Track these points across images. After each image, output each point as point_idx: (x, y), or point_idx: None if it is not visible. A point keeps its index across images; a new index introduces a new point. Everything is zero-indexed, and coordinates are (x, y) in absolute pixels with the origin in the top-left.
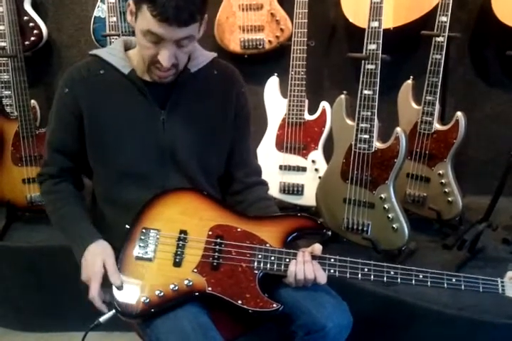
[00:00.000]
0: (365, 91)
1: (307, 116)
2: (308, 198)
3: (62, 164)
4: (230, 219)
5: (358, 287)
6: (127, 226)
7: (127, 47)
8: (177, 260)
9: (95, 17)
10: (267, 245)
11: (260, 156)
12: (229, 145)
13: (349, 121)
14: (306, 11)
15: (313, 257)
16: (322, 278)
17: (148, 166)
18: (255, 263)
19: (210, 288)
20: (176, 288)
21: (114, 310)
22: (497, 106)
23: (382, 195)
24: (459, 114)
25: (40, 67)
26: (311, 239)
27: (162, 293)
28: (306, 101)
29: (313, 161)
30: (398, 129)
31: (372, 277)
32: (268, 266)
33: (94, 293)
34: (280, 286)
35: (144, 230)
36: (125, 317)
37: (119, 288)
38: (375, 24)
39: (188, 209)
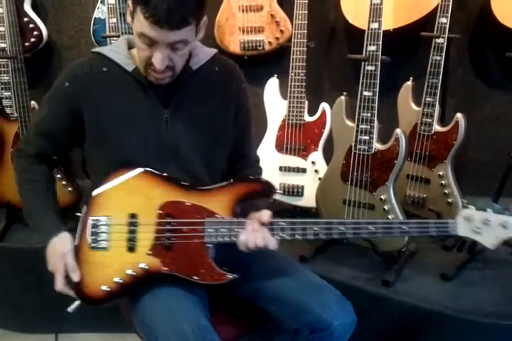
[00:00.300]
0: (365, 93)
1: (307, 118)
2: (308, 199)
3: (42, 148)
4: (178, 194)
5: (358, 288)
6: (78, 214)
7: (130, 46)
8: (130, 245)
9: (95, 18)
10: (217, 216)
11: (260, 157)
12: (232, 142)
13: (349, 123)
14: (306, 12)
15: (263, 224)
16: (272, 244)
17: (151, 165)
18: (206, 238)
19: (165, 268)
20: (133, 273)
21: (79, 300)
22: (497, 107)
23: (382, 197)
24: (458, 115)
25: (40, 68)
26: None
27: (121, 280)
28: (306, 102)
29: (313, 162)
30: (398, 130)
31: (323, 235)
32: (218, 238)
33: (60, 285)
34: (284, 285)
35: (94, 219)
36: (91, 305)
37: (79, 282)
38: (375, 25)
39: (135, 189)
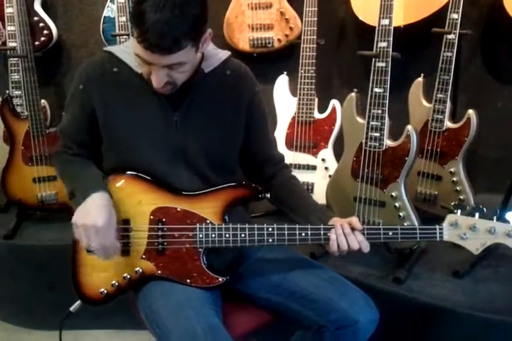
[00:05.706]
0: (376, 89)
1: (317, 115)
2: (319, 197)
3: (77, 150)
4: (169, 200)
5: (370, 285)
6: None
7: None
8: (125, 250)
9: (105, 17)
10: (208, 222)
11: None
12: (242, 144)
13: (359, 119)
14: (316, 9)
15: (354, 229)
16: (368, 247)
17: (161, 165)
18: (198, 243)
19: (159, 272)
20: (128, 276)
21: (79, 301)
22: (509, 103)
23: (393, 194)
24: (470, 111)
25: (50, 67)
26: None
27: (117, 283)
28: (316, 99)
29: (323, 160)
30: (409, 127)
31: (309, 241)
32: (210, 243)
33: (112, 238)
34: (308, 282)
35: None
36: (90, 306)
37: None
38: (386, 22)
39: (127, 195)
